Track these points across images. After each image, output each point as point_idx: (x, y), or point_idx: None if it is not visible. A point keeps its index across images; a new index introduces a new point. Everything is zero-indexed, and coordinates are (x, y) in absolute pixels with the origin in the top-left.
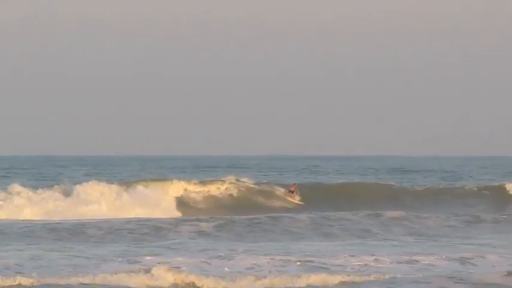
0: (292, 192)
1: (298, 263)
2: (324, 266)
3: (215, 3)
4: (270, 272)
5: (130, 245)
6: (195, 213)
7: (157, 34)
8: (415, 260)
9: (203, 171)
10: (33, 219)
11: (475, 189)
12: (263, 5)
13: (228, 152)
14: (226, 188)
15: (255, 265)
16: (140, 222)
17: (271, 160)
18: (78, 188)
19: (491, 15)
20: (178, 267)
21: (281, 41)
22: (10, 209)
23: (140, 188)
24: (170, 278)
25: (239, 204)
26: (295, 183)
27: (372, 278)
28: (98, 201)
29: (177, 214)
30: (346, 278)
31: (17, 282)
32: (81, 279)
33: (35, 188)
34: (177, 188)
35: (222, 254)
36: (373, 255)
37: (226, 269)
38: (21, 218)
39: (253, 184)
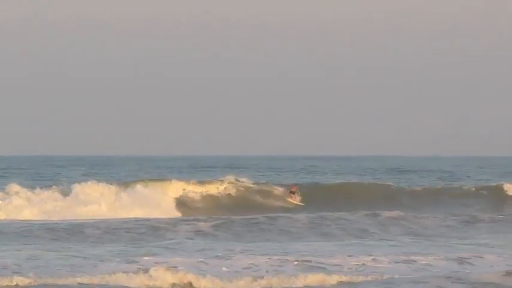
0: (293, 193)
1: (296, 262)
2: (321, 266)
3: (215, 3)
4: (267, 271)
5: (128, 245)
6: (194, 213)
7: (157, 34)
8: (413, 260)
9: (201, 171)
10: (31, 219)
11: (473, 189)
12: (263, 5)
13: (226, 152)
14: (225, 188)
15: (252, 265)
16: (138, 222)
17: (270, 160)
18: (77, 188)
19: (491, 15)
20: (176, 267)
21: (281, 41)
22: (8, 208)
23: (139, 188)
24: (168, 278)
25: (238, 204)
26: (295, 185)
27: (369, 278)
28: (97, 202)
29: (177, 214)
30: (344, 278)
31: (14, 283)
32: (78, 279)
33: (32, 187)
34: (176, 188)
35: (219, 254)
36: (371, 255)
37: (224, 268)
38: (18, 218)
39: (253, 184)
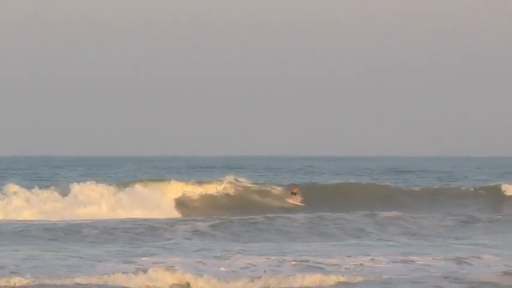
0: (294, 194)
1: (294, 262)
2: (319, 266)
3: (215, 3)
4: (264, 271)
5: (125, 245)
6: (194, 213)
7: (157, 34)
8: (411, 260)
9: (199, 171)
10: (29, 219)
11: (471, 189)
12: (263, 5)
13: (224, 152)
14: (224, 188)
15: (250, 265)
16: (136, 222)
17: (267, 160)
18: (76, 188)
19: (491, 15)
20: (174, 268)
21: (281, 41)
22: (5, 209)
23: (138, 189)
24: (166, 278)
25: (238, 205)
26: (296, 185)
27: (367, 278)
28: (96, 203)
29: (176, 215)
30: (342, 278)
31: (12, 283)
32: (76, 280)
33: (30, 188)
34: (175, 188)
35: (217, 254)
36: (369, 255)
37: (222, 268)
38: (16, 218)
39: (252, 184)
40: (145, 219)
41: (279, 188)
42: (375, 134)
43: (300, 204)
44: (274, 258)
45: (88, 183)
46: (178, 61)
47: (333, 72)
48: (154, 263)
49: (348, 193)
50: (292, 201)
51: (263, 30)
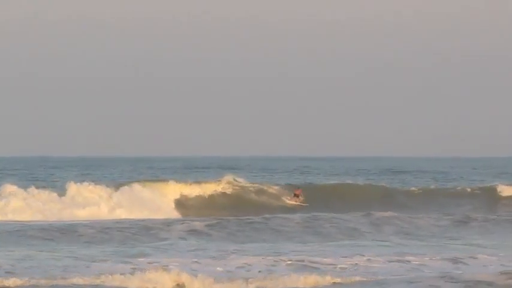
0: (296, 196)
1: (289, 262)
2: (315, 266)
3: (215, 3)
4: (260, 272)
5: (121, 246)
6: (193, 214)
7: (157, 34)
8: (407, 260)
9: (195, 172)
10: (25, 219)
11: (468, 189)
12: (263, 5)
13: (220, 152)
14: (223, 188)
15: (246, 265)
16: (132, 222)
17: (265, 161)
18: (73, 189)
19: (491, 15)
20: (170, 268)
21: (281, 41)
22: (2, 209)
23: (137, 189)
24: (161, 278)
25: (237, 205)
26: (299, 188)
27: (363, 278)
28: (94, 203)
29: (176, 215)
30: (338, 279)
31: (7, 283)
32: (72, 280)
33: (24, 188)
34: (174, 189)
35: (213, 254)
36: (365, 255)
37: (218, 268)
38: (12, 219)
39: (251, 184)
40: (142, 220)
41: (278, 188)
42: (375, 134)
43: (302, 204)
44: (270, 258)
45: (85, 183)
46: (178, 61)
47: (333, 72)
48: (149, 263)
49: (344, 193)
50: (293, 203)
51: (263, 30)
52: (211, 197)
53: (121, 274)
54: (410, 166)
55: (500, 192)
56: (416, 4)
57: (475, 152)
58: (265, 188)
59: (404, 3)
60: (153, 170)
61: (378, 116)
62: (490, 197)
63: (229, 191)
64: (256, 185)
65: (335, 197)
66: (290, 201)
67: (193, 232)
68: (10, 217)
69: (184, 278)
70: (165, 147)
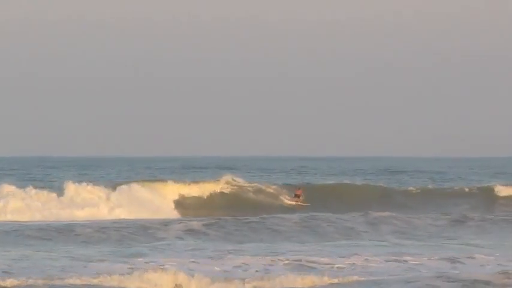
0: (297, 196)
1: (287, 262)
2: (312, 266)
3: (215, 3)
4: (257, 271)
5: (118, 246)
6: (191, 214)
7: (157, 34)
8: (404, 260)
9: (194, 172)
10: (24, 220)
11: (466, 189)
12: (263, 5)
13: (217, 152)
14: (222, 188)
15: (243, 264)
16: (129, 222)
17: (263, 161)
18: (72, 190)
19: (491, 15)
20: (168, 268)
21: (281, 41)
22: (0, 209)
23: (136, 190)
24: (159, 278)
25: (237, 205)
26: (300, 188)
27: (360, 278)
28: (93, 204)
29: (175, 215)
30: (335, 279)
31: (4, 284)
32: (69, 280)
33: (22, 188)
34: (173, 189)
35: (211, 254)
36: (362, 255)
37: (215, 268)
38: (11, 219)
39: (250, 184)
40: (139, 219)
41: (277, 188)
42: (375, 134)
43: (304, 204)
44: (267, 258)
45: (84, 184)
46: (178, 61)
47: (333, 72)
48: (146, 263)
49: (342, 193)
50: (295, 203)
51: (263, 30)
52: (210, 197)
53: (119, 274)
54: (408, 166)
55: (498, 192)
56: (416, 4)
57: (475, 152)
58: (264, 187)
59: (404, 3)
60: (150, 170)
61: (378, 116)
62: (488, 197)
63: (228, 191)
64: (255, 184)
65: (333, 197)
66: (291, 202)
67: (190, 232)
68: (9, 217)
69: (182, 278)
70: (163, 147)
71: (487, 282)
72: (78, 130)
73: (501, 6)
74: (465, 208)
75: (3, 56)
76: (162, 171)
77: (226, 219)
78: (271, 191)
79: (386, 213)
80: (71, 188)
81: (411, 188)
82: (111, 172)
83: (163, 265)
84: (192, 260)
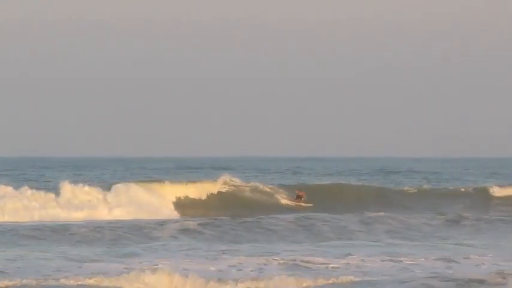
0: (300, 197)
1: (281, 262)
2: (307, 266)
3: (215, 3)
4: (251, 271)
5: (114, 245)
6: (190, 214)
7: (157, 34)
8: (399, 260)
9: (189, 172)
10: (20, 221)
11: (462, 189)
12: (263, 5)
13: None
14: (219, 188)
15: (238, 264)
16: (125, 222)
17: (260, 161)
18: (67, 190)
19: (491, 15)
20: (162, 268)
21: (281, 41)
22: None
23: (133, 190)
24: (153, 278)
25: (234, 205)
26: (301, 189)
27: (355, 278)
28: (91, 205)
29: (172, 215)
30: (330, 279)
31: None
32: (64, 281)
33: (18, 189)
34: (170, 189)
35: (206, 254)
36: (357, 255)
37: (210, 268)
38: (8, 220)
39: (249, 184)
40: (136, 219)
41: (275, 188)
42: (375, 134)
43: (306, 205)
44: (262, 257)
45: (80, 185)
46: (178, 61)
47: (333, 72)
48: (141, 263)
49: (337, 193)
50: (297, 203)
51: (263, 30)
52: (208, 197)
53: (114, 275)
54: (402, 166)
55: (493, 192)
56: (416, 4)
57: (475, 152)
58: (261, 188)
59: (404, 3)
60: (145, 171)
61: (378, 116)
62: (484, 197)
63: (226, 191)
64: (252, 183)
65: (328, 197)
66: (293, 203)
67: (185, 232)
68: (7, 219)
69: (176, 278)
70: (157, 148)
71: (482, 282)
72: (78, 130)
73: (501, 6)
74: (462, 208)
75: (3, 56)
76: (157, 171)
77: (222, 219)
78: (270, 191)
79: (381, 213)
80: (67, 188)
81: (407, 188)
82: (105, 172)
83: (158, 265)
84: (187, 260)
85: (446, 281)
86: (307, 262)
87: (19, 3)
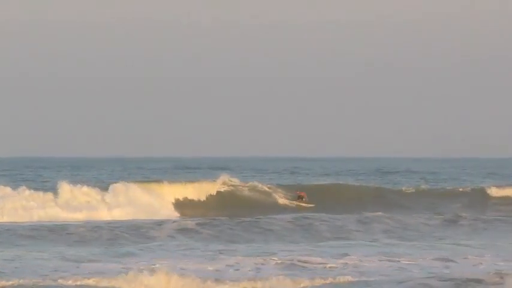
0: (301, 198)
1: (279, 262)
2: (305, 266)
3: (215, 4)
4: (249, 271)
5: (111, 246)
6: (188, 214)
7: (157, 34)
8: (397, 260)
9: (187, 172)
10: (19, 221)
11: (460, 189)
12: (263, 5)
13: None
14: (218, 189)
15: (235, 264)
16: (123, 222)
17: (257, 161)
18: (65, 191)
19: (491, 15)
20: (160, 268)
21: (281, 41)
22: None
23: (132, 190)
24: (151, 278)
25: (233, 205)
26: (302, 190)
27: (353, 278)
28: (90, 205)
29: (172, 215)
30: (327, 279)
31: None
32: (61, 281)
33: (16, 190)
34: (169, 189)
35: (203, 254)
36: (355, 255)
37: (208, 268)
38: (7, 221)
39: (248, 184)
40: (134, 219)
41: (275, 188)
42: (375, 134)
43: (308, 205)
44: (260, 257)
45: (78, 186)
46: (178, 61)
47: (333, 72)
48: (139, 263)
49: (335, 193)
50: (298, 204)
51: (263, 30)
52: (206, 197)
53: (112, 275)
54: (401, 166)
55: (490, 193)
56: (416, 4)
57: (475, 152)
58: (260, 187)
59: (404, 3)
60: (143, 171)
61: (378, 116)
62: (481, 197)
63: (224, 191)
64: (251, 183)
65: (326, 197)
66: (294, 203)
67: (183, 232)
68: (6, 219)
69: (174, 278)
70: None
71: (480, 282)
72: (77, 130)
73: (501, 6)
74: (459, 208)
75: (3, 56)
76: (154, 171)
77: (220, 219)
78: (269, 190)
79: (379, 213)
80: (65, 189)
81: (404, 188)
82: (103, 173)
83: (155, 265)
84: (185, 260)
85: (443, 280)
86: (305, 262)
87: (19, 3)
